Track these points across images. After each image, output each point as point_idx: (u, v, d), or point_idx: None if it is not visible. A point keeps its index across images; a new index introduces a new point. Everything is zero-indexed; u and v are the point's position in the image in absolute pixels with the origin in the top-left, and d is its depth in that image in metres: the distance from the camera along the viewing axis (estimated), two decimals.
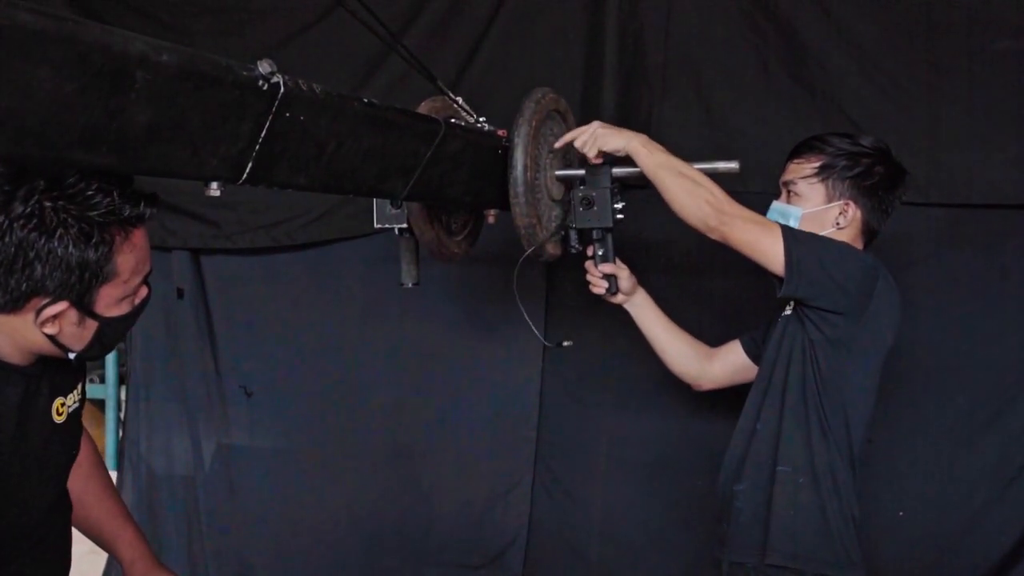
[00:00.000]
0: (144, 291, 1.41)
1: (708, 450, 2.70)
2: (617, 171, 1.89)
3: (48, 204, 1.18)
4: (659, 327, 2.24)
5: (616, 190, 1.90)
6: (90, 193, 1.21)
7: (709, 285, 2.67)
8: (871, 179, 1.96)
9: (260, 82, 1.04)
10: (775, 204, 2.05)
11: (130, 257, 1.29)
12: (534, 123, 1.77)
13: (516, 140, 1.74)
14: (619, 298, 2.20)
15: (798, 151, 2.04)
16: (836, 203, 1.96)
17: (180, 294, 3.06)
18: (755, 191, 2.52)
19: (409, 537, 2.99)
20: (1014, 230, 2.38)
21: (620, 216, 1.91)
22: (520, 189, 1.74)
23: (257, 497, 3.08)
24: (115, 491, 1.84)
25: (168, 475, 3.17)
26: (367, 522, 3.01)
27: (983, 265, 2.41)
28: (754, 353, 2.20)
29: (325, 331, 3.04)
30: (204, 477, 3.11)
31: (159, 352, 3.13)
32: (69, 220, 1.19)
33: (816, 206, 1.98)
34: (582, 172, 1.89)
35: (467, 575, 2.93)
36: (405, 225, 1.93)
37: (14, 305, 1.25)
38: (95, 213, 1.21)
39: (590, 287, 2.18)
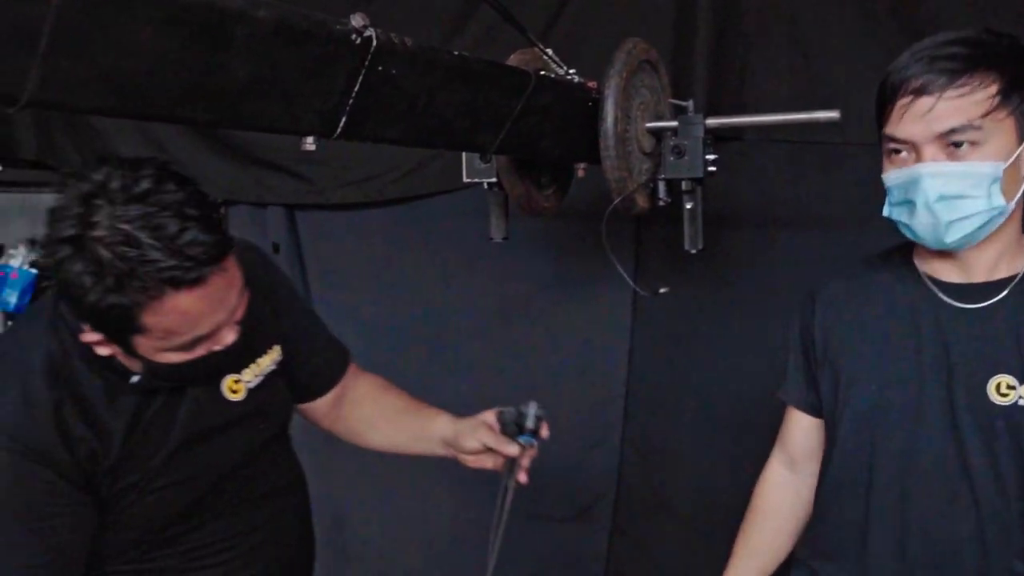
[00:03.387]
0: (227, 336, 1.34)
1: None
2: (711, 121, 1.83)
3: (99, 247, 1.17)
4: (781, 549, 1.90)
5: (709, 141, 1.84)
6: (137, 251, 1.16)
7: (803, 238, 2.60)
8: None
9: (353, 36, 1.04)
10: (927, 169, 1.28)
11: (161, 319, 1.22)
12: (625, 75, 1.73)
13: (607, 92, 1.71)
14: None
15: (941, 70, 1.26)
16: None
17: (276, 249, 3.12)
18: (854, 142, 2.44)
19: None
20: None
21: (712, 169, 1.85)
22: (611, 142, 1.71)
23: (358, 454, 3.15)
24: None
25: None
26: (454, 471, 3.06)
27: None
28: (814, 406, 1.70)
29: (413, 286, 3.06)
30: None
31: None
32: (106, 265, 1.17)
33: (1012, 152, 1.27)
34: (675, 124, 1.84)
35: (555, 528, 2.95)
36: (494, 179, 1.92)
37: None
38: (128, 267, 1.17)
39: None
